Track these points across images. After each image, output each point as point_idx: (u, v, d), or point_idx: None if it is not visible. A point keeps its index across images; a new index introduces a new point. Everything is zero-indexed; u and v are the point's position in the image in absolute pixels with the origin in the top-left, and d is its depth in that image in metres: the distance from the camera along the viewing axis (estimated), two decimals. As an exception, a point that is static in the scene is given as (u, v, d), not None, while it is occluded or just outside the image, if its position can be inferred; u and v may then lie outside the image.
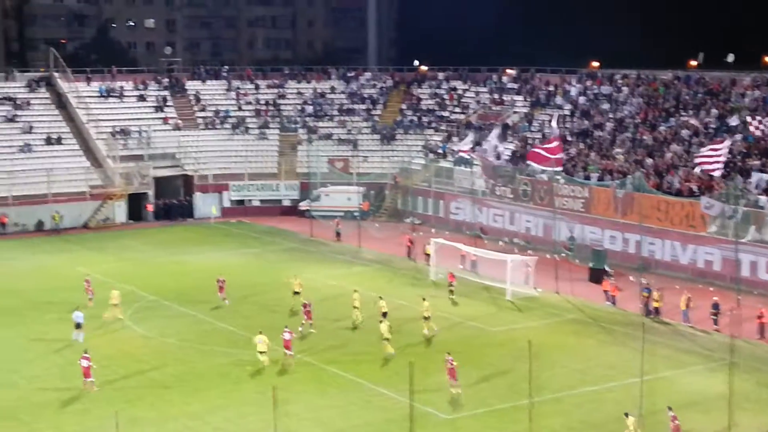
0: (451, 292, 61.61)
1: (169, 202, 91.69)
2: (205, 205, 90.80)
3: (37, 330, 53.90)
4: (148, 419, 40.87)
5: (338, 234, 79.87)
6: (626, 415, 37.11)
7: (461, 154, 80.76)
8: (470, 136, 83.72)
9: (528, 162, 71.34)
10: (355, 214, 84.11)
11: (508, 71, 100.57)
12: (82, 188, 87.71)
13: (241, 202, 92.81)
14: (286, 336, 47.97)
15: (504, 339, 52.41)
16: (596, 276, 64.67)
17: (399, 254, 73.67)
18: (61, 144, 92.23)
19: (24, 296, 62.02)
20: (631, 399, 41.23)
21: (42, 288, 64.10)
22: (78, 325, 51.02)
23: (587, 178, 74.71)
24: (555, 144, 66.91)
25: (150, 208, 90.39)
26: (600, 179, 73.79)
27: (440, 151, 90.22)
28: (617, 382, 45.29)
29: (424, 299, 53.90)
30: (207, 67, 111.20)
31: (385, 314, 53.25)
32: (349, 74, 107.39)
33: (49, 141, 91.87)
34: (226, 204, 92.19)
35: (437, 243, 67.24)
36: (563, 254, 69.71)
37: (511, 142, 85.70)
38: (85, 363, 44.41)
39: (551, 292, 62.26)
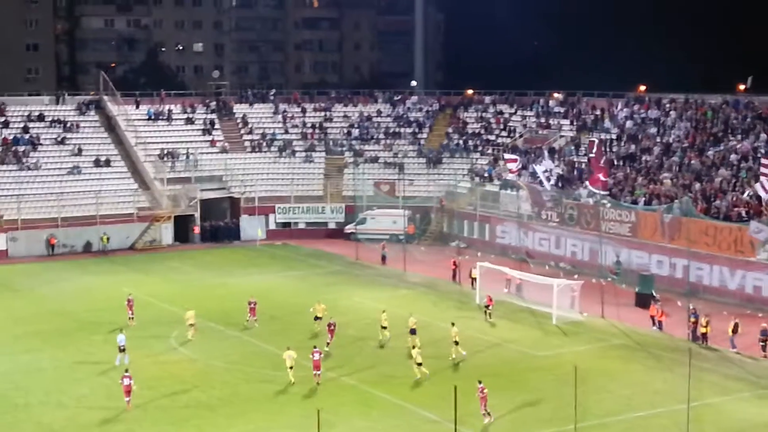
0: (489, 315, 61.45)
1: (215, 224, 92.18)
2: (251, 227, 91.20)
3: (84, 351, 54.31)
4: (192, 441, 41.05)
5: (384, 257, 79.87)
6: None
7: (509, 172, 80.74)
8: (520, 159, 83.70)
9: (587, 186, 71.26)
10: (401, 237, 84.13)
11: (555, 95, 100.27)
12: (130, 210, 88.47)
13: (286, 224, 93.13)
14: (316, 356, 48.19)
15: (549, 363, 52.09)
16: (643, 301, 64.14)
17: (444, 278, 73.53)
18: (110, 166, 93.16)
19: (72, 317, 62.54)
20: (677, 426, 40.83)
21: (89, 309, 64.59)
22: (121, 349, 51.29)
23: (634, 202, 74.28)
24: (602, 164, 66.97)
25: (196, 230, 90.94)
26: (647, 203, 73.32)
27: (486, 174, 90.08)
28: (664, 408, 44.81)
29: (453, 324, 53.64)
30: (254, 91, 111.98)
31: (413, 331, 53.34)
32: (395, 98, 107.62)
33: (97, 163, 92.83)
34: (272, 226, 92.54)
35: (483, 267, 67.03)
36: (609, 279, 69.28)
37: (558, 165, 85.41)
38: (126, 381, 44.84)
39: (597, 317, 61.84)
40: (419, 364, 49.20)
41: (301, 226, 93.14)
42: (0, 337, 56.61)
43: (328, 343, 54.01)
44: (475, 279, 67.66)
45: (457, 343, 52.71)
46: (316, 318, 58.27)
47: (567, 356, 52.70)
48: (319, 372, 48.28)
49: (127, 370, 45.92)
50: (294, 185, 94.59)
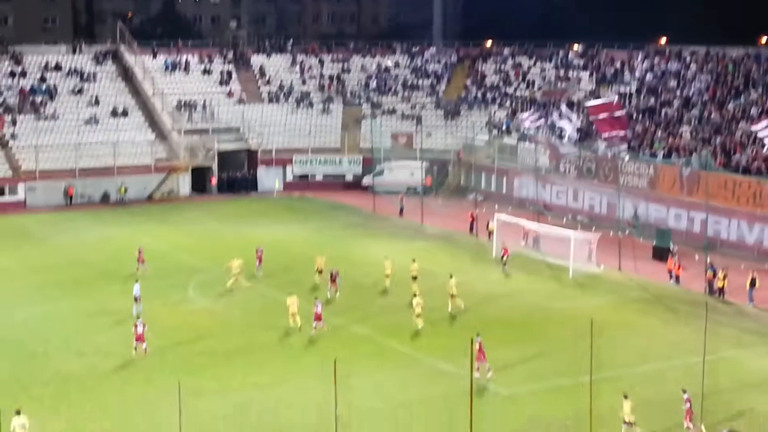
0: (505, 265, 61.44)
1: (232, 175, 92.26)
2: (269, 179, 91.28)
3: (101, 300, 54.56)
4: (210, 390, 41.24)
5: (401, 209, 79.83)
6: (625, 396, 36.83)
7: (527, 125, 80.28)
8: (538, 112, 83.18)
9: (598, 133, 70.94)
10: (418, 189, 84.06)
11: (575, 47, 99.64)
12: (147, 161, 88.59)
13: (304, 176, 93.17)
14: (318, 308, 48.49)
15: (565, 316, 52.12)
16: (660, 254, 64.07)
17: (461, 230, 73.50)
18: (127, 117, 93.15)
19: (89, 267, 62.81)
20: (692, 378, 40.79)
21: (107, 259, 64.88)
22: (136, 299, 51.57)
23: (653, 155, 73.94)
24: (619, 113, 66.48)
25: (214, 181, 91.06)
26: (666, 157, 72.98)
27: (504, 127, 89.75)
28: (679, 360, 44.90)
29: (451, 276, 53.58)
30: (272, 42, 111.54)
31: (415, 278, 53.64)
32: (413, 49, 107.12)
33: (115, 113, 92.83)
34: (289, 178, 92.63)
35: (500, 219, 66.98)
36: (627, 232, 69.10)
37: (578, 119, 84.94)
38: (140, 329, 45.27)
39: (614, 270, 61.79)
40: (418, 316, 49.30)
41: (319, 177, 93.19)
42: (19, 287, 56.93)
43: (330, 292, 54.42)
44: (492, 232, 67.66)
45: (453, 296, 52.48)
46: (319, 272, 57.94)
47: (583, 309, 52.68)
48: (321, 323, 48.45)
49: (138, 317, 46.36)
50: (311, 137, 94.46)
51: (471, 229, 72.84)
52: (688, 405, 36.95)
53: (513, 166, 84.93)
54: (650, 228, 69.61)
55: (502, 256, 61.95)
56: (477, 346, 42.30)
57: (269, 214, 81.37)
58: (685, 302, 54.96)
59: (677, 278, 59.12)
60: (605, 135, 71.78)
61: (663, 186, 71.66)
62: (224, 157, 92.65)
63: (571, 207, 78.50)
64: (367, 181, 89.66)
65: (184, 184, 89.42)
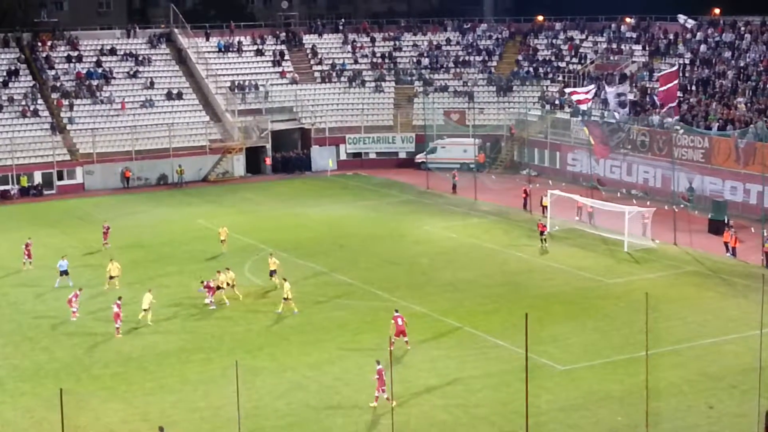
0: (544, 241, 61.46)
1: (286, 155, 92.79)
2: (322, 158, 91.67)
3: (159, 282, 55.13)
4: (267, 369, 41.71)
5: (454, 186, 79.85)
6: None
7: (577, 102, 79.67)
8: (591, 86, 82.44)
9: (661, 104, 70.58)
10: (471, 166, 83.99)
11: (627, 20, 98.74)
12: (202, 142, 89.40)
13: (357, 154, 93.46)
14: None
15: (621, 291, 52.01)
16: (716, 227, 63.56)
17: (515, 206, 73.43)
18: (182, 99, 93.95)
19: (148, 249, 63.62)
20: (750, 352, 40.66)
21: (164, 241, 65.64)
22: (63, 272, 54.03)
23: (708, 127, 73.27)
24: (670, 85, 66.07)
25: (268, 161, 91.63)
26: (721, 129, 72.29)
27: (557, 102, 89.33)
28: (737, 334, 44.63)
29: (285, 279, 50.52)
30: (323, 21, 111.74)
31: (273, 272, 53.26)
32: (464, 26, 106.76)
33: (169, 96, 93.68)
34: (343, 157, 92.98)
35: (554, 195, 66.85)
36: (682, 205, 68.64)
37: (631, 92, 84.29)
38: (115, 309, 46.55)
39: (669, 244, 61.46)
40: (286, 299, 49.09)
41: (372, 156, 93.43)
42: (78, 269, 57.71)
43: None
44: (546, 207, 67.57)
45: (287, 299, 49.56)
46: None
47: (638, 283, 52.55)
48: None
49: (120, 298, 47.43)
50: (364, 115, 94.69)
51: (524, 204, 72.74)
52: None
53: (566, 141, 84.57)
54: (705, 201, 69.14)
55: (541, 232, 61.82)
56: (399, 321, 43.03)
57: (323, 193, 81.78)
58: (741, 275, 54.55)
59: (734, 251, 58.67)
60: (666, 105, 71.26)
61: (718, 158, 71.02)
62: (278, 137, 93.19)
63: (625, 181, 78.05)
64: (420, 158, 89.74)
65: (238, 165, 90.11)
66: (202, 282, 50.89)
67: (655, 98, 76.83)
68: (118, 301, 47.06)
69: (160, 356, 43.88)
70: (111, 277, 53.59)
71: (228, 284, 51.33)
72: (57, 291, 51.95)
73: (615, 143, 77.01)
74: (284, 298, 49.07)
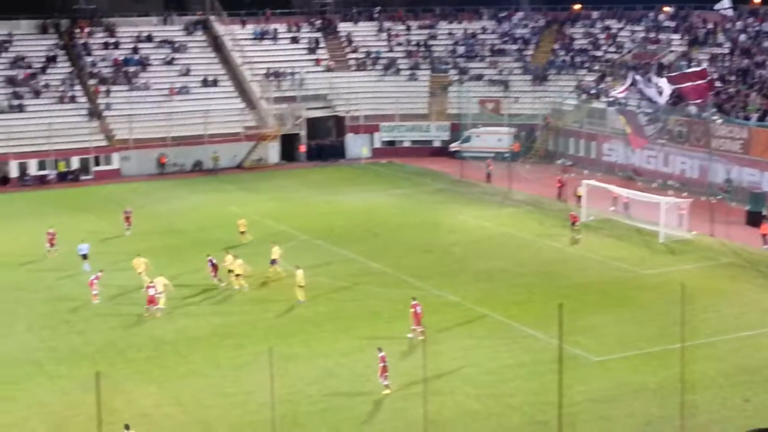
0: (577, 232, 61.07)
1: (321, 142, 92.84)
2: (356, 145, 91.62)
3: (193, 267, 55.21)
4: (300, 356, 41.75)
5: (489, 175, 79.56)
6: None
7: (618, 97, 79.18)
8: (628, 79, 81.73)
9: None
10: (506, 155, 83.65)
11: (665, 9, 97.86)
12: (237, 129, 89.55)
13: (391, 142, 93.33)
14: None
15: (656, 282, 51.63)
16: (754, 219, 63.00)
17: (550, 196, 73.10)
18: (217, 86, 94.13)
19: (182, 234, 63.84)
20: (787, 345, 40.34)
21: (199, 227, 65.80)
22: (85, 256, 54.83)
23: (747, 118, 72.57)
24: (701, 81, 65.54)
25: (302, 148, 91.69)
26: (760, 119, 71.56)
27: (593, 91, 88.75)
28: (773, 327, 44.30)
29: (297, 267, 50.20)
30: (359, 9, 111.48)
31: (273, 261, 53.12)
32: (500, 14, 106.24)
33: (205, 83, 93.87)
34: (377, 145, 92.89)
35: (589, 185, 66.45)
36: (719, 197, 68.07)
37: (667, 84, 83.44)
38: (151, 291, 47.36)
39: (706, 236, 60.96)
40: (237, 275, 50.35)
41: (406, 144, 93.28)
42: (114, 255, 57.99)
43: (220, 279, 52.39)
44: (580, 197, 67.17)
45: (300, 286, 49.19)
46: (242, 233, 59.36)
47: (674, 275, 52.16)
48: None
49: (152, 281, 47.97)
50: (398, 104, 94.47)
51: (559, 194, 72.40)
52: None
53: (602, 131, 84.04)
54: (743, 192, 68.49)
55: (573, 223, 61.45)
56: (417, 309, 43.13)
57: (357, 181, 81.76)
58: (779, 268, 54.13)
59: (771, 243, 58.21)
60: (691, 101, 70.82)
61: (757, 149, 70.29)
62: (312, 125, 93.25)
63: (661, 171, 77.48)
64: (454, 147, 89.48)
65: (273, 151, 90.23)
66: (208, 255, 52.44)
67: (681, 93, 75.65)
68: (151, 284, 47.68)
69: (192, 341, 44.07)
70: (139, 273, 53.28)
71: (230, 271, 51.38)
72: (88, 275, 52.08)
73: (652, 133, 76.37)
74: (299, 286, 49.02)
